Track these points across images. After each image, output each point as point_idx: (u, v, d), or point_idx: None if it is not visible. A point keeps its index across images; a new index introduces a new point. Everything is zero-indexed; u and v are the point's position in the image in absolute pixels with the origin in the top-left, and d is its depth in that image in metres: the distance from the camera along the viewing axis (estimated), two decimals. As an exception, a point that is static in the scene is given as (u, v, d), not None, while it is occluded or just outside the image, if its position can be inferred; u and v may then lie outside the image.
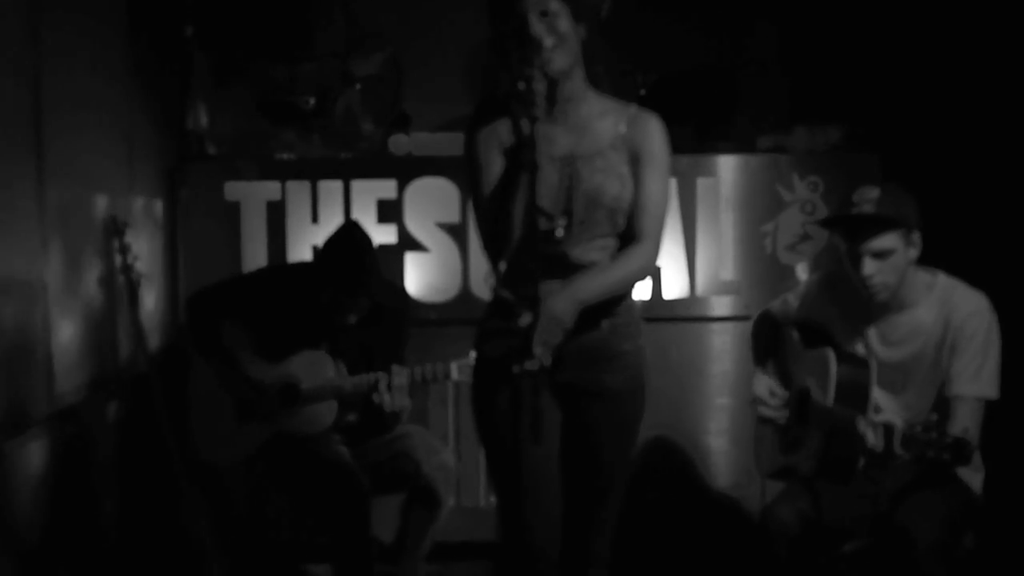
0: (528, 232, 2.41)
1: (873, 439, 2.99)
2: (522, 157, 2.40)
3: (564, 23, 2.57)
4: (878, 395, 3.29)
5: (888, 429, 2.97)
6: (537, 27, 2.53)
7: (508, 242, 2.48)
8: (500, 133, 2.61)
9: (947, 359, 3.18)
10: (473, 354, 2.77)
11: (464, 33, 4.60)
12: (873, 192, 3.18)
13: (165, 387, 3.93)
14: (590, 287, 2.61)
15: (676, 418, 4.54)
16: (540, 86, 2.38)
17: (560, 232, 2.59)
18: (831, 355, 3.28)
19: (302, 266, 4.19)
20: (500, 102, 2.58)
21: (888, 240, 3.14)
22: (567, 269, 2.63)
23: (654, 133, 2.64)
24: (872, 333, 3.34)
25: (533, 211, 2.40)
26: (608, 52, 2.68)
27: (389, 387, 3.78)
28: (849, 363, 3.27)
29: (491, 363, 2.66)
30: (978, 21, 4.24)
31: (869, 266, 3.15)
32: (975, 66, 4.29)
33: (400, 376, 3.77)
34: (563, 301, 2.56)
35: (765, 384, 3.52)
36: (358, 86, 4.74)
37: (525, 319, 2.39)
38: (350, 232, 3.89)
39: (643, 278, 2.66)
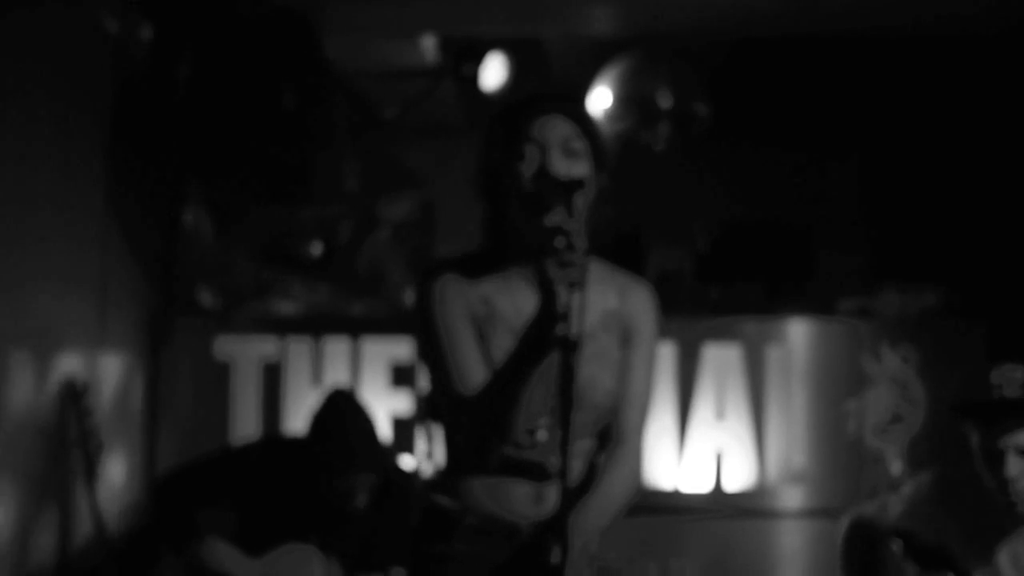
0: (562, 429, 2.05)
1: None
2: (553, 333, 2.07)
3: (587, 168, 2.25)
4: None
5: None
6: (561, 166, 2.21)
7: (503, 438, 2.19)
8: (471, 301, 2.29)
9: None
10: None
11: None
12: (1018, 372, 2.95)
13: None
14: (606, 512, 2.29)
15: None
16: (582, 243, 2.06)
17: (543, 435, 2.24)
18: None
19: (297, 440, 3.93)
20: (463, 263, 2.28)
21: None
22: (539, 480, 2.28)
23: (649, 309, 2.37)
24: (1005, 558, 3.01)
25: (568, 403, 2.05)
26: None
27: None
28: None
29: None
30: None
31: (1015, 466, 2.87)
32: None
33: None
34: (592, 531, 2.25)
35: None
36: (387, 231, 4.77)
37: (556, 555, 2.07)
38: (335, 402, 3.70)
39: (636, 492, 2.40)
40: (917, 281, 4.58)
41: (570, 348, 2.05)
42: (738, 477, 4.35)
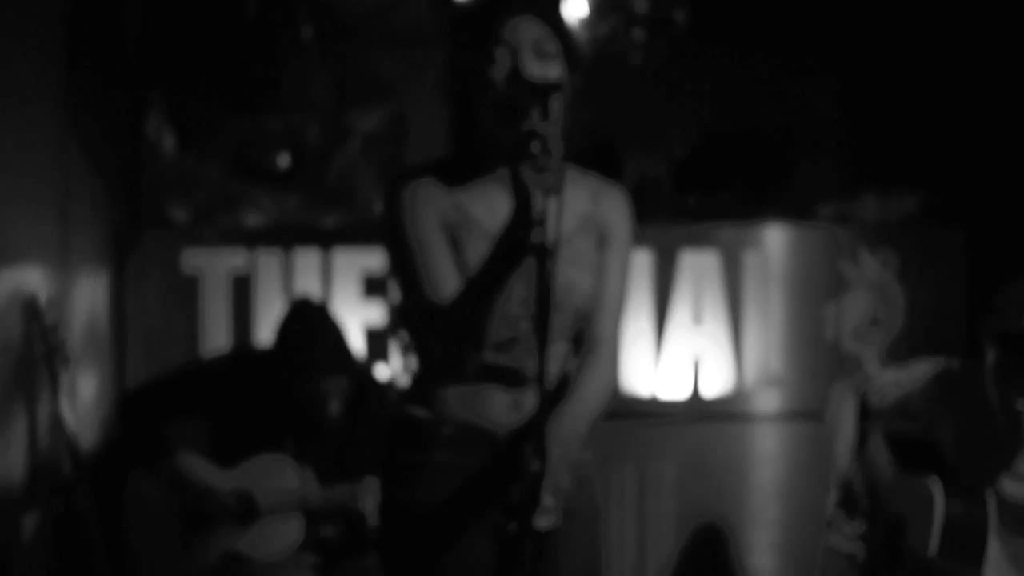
0: (539, 334, 2.05)
1: None
2: (528, 239, 2.05)
3: (561, 70, 2.20)
4: (998, 547, 2.97)
5: None
6: (534, 68, 2.16)
7: (478, 346, 2.17)
8: (443, 208, 2.25)
9: None
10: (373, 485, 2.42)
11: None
12: None
13: (98, 498, 3.70)
14: (584, 417, 2.27)
15: (716, 535, 4.29)
16: (558, 147, 2.04)
17: (522, 339, 2.22)
18: (937, 488, 3.00)
19: (266, 352, 3.97)
20: (434, 168, 2.24)
21: None
22: (515, 386, 2.26)
23: (623, 211, 2.35)
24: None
25: (546, 307, 2.04)
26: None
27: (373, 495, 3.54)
28: (962, 500, 2.98)
29: (428, 512, 2.23)
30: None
31: None
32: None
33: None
34: (571, 438, 2.22)
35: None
36: (357, 142, 4.67)
37: (530, 460, 2.07)
38: (300, 311, 3.75)
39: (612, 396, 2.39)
40: (896, 186, 4.57)
41: (545, 254, 2.03)
42: (716, 382, 4.36)
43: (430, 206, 2.20)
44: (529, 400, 2.20)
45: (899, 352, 4.20)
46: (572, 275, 2.23)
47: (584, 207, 2.28)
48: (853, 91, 4.79)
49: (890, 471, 3.19)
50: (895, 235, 4.37)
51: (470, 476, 2.19)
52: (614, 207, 2.32)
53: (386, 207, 2.25)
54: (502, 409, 2.22)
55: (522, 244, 2.05)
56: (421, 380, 2.26)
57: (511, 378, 2.21)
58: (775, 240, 4.39)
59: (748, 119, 4.80)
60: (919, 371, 3.29)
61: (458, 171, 2.22)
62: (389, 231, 2.24)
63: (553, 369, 2.24)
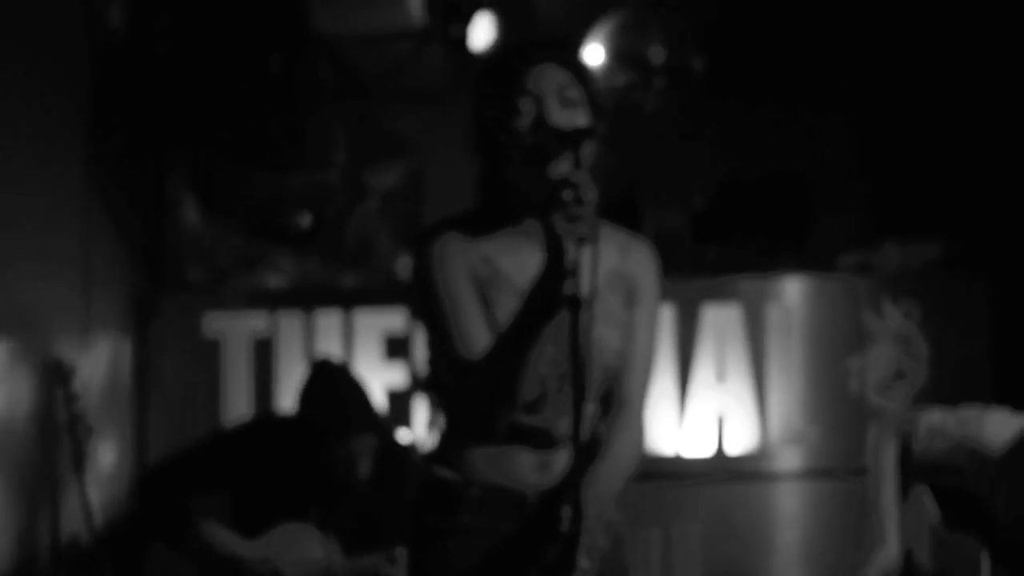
0: (575, 391, 2.01)
1: None
2: (560, 291, 2.00)
3: (587, 117, 2.17)
4: None
5: None
6: (560, 116, 2.13)
7: (511, 405, 2.12)
8: (471, 262, 2.21)
9: None
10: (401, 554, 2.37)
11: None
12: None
13: (117, 573, 3.73)
14: (617, 477, 2.24)
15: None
16: (591, 195, 2.00)
17: (552, 398, 2.17)
18: (984, 557, 2.80)
19: (289, 417, 3.92)
20: (461, 222, 2.19)
21: None
22: (544, 447, 2.22)
23: (651, 267, 2.31)
24: None
25: (577, 362, 2.00)
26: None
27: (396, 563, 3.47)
28: (1011, 568, 2.80)
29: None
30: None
31: None
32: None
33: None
34: (606, 498, 2.18)
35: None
36: (375, 201, 4.68)
37: (566, 521, 2.04)
38: (322, 372, 3.70)
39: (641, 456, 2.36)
40: (917, 234, 4.55)
41: (579, 306, 1.99)
42: (740, 440, 4.31)
43: (459, 261, 2.17)
44: (557, 461, 2.17)
45: (924, 405, 4.32)
46: (601, 332, 2.18)
47: (612, 263, 2.23)
48: (871, 139, 4.79)
49: (935, 525, 3.03)
50: (917, 285, 4.34)
51: (501, 539, 2.15)
52: (642, 262, 2.28)
53: (414, 262, 2.22)
54: (530, 470, 2.18)
55: (555, 296, 2.02)
56: (448, 441, 2.22)
57: (540, 439, 2.18)
58: (796, 292, 4.35)
59: (766, 168, 4.79)
60: (970, 418, 3.04)
61: (484, 225, 2.18)
62: (418, 287, 2.20)
63: (584, 429, 2.19)
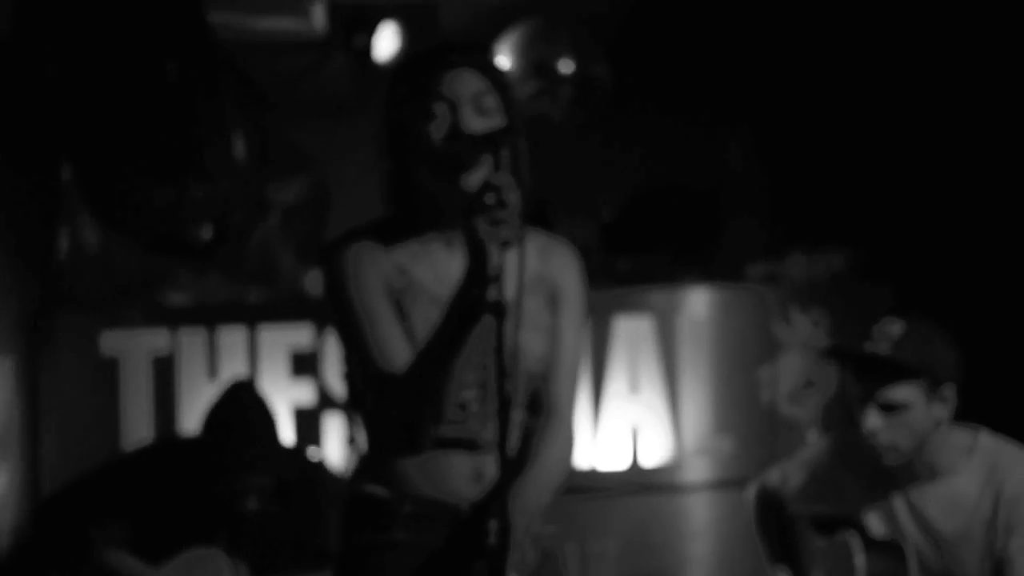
0: (500, 399, 1.98)
1: None
2: (484, 297, 1.98)
3: (502, 122, 2.14)
4: None
5: None
6: (475, 123, 2.10)
7: (437, 417, 2.08)
8: (385, 271, 2.16)
9: (1001, 540, 2.87)
10: None
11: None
12: (895, 327, 2.88)
13: None
14: (547, 487, 2.20)
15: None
16: (514, 197, 1.96)
17: (475, 407, 2.13)
18: (854, 542, 2.94)
19: (191, 440, 3.93)
20: (372, 231, 2.15)
21: (903, 392, 2.84)
22: (470, 455, 2.19)
23: (574, 269, 2.27)
24: (900, 507, 2.99)
25: (502, 370, 1.98)
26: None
27: None
28: (878, 551, 2.93)
29: None
30: (1010, 126, 4.10)
31: (873, 420, 2.85)
32: (1008, 182, 4.12)
33: None
34: (534, 509, 2.14)
35: None
36: (277, 216, 4.64)
37: (493, 535, 1.99)
38: (235, 396, 3.67)
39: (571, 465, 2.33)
40: (823, 244, 4.58)
41: (503, 313, 1.97)
42: (654, 451, 4.31)
43: (372, 272, 2.12)
44: (490, 470, 2.13)
45: (835, 415, 4.29)
46: (525, 338, 2.14)
47: (534, 266, 2.18)
48: (777, 150, 4.85)
49: (811, 539, 3.13)
50: (825, 294, 4.37)
51: (432, 555, 2.10)
52: (564, 265, 2.25)
53: (325, 274, 2.16)
54: (465, 482, 2.14)
55: (478, 303, 1.98)
56: (374, 455, 2.16)
57: (467, 448, 2.14)
58: (706, 303, 4.38)
59: (674, 179, 4.87)
60: (817, 448, 3.24)
61: (395, 233, 2.14)
62: (331, 299, 2.15)
63: (511, 437, 2.17)
